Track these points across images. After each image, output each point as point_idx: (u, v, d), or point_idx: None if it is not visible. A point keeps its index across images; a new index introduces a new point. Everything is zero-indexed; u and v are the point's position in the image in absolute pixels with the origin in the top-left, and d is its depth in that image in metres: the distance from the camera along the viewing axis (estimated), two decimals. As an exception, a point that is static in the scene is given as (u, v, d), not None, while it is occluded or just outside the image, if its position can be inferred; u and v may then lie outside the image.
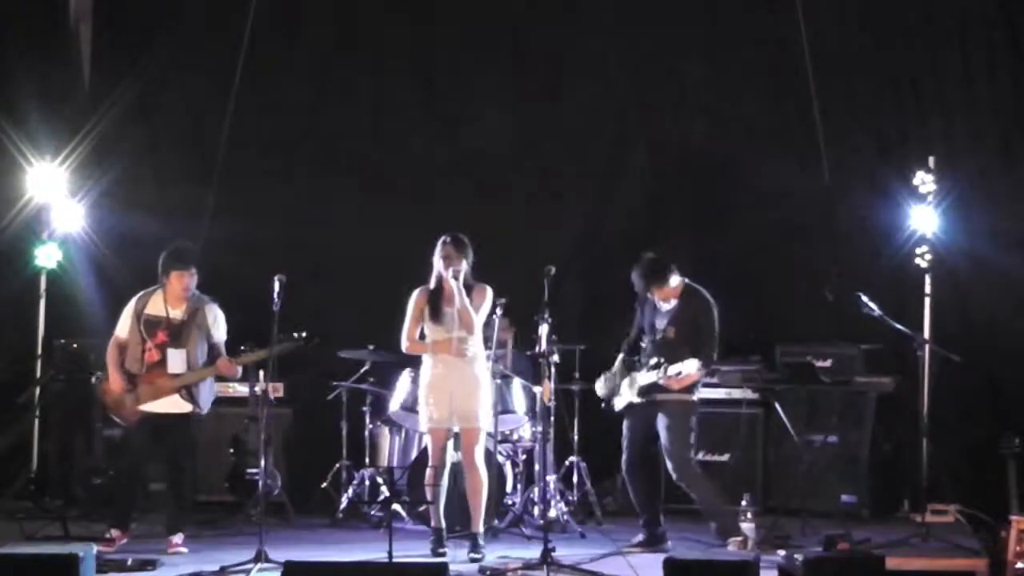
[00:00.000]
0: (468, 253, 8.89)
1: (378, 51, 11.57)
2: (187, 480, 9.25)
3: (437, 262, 8.89)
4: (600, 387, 9.46)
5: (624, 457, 9.28)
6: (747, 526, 9.12)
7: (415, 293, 9.00)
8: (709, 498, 9.15)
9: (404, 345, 9.04)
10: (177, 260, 9.10)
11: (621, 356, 9.37)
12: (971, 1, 10.91)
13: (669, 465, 9.10)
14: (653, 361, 9.04)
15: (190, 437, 9.19)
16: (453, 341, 8.84)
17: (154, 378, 9.03)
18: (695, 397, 9.11)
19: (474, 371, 8.92)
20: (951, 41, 10.90)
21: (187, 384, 9.05)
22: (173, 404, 9.05)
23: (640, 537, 9.19)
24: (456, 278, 8.77)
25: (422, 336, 8.98)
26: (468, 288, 8.85)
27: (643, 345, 9.25)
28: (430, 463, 8.90)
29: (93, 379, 9.39)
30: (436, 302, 8.91)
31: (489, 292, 8.96)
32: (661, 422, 9.08)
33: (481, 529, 8.93)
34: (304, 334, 8.95)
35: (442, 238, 8.92)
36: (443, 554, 8.79)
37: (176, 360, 9.03)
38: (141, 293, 9.22)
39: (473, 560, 8.68)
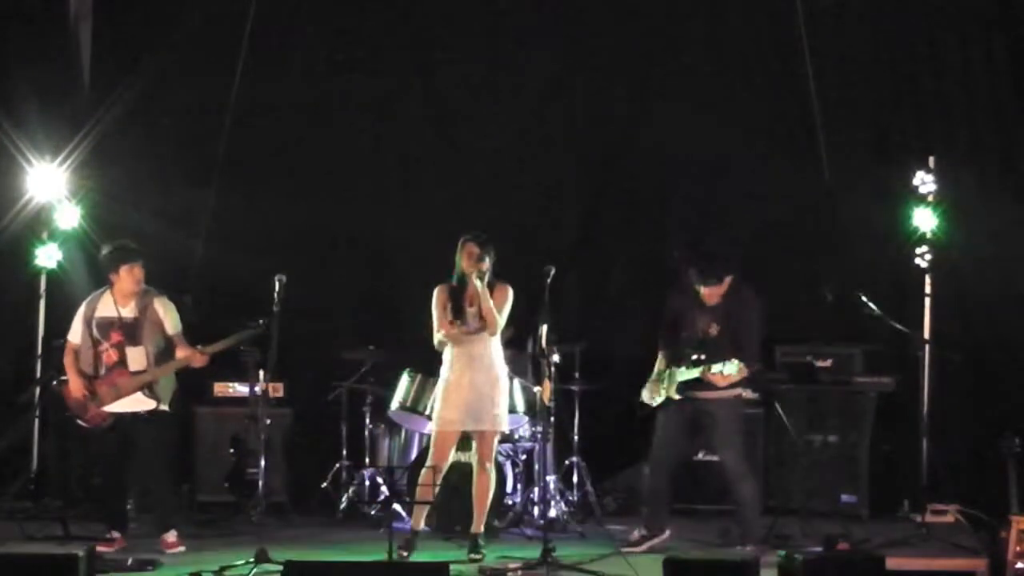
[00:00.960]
0: (491, 251, 8.79)
1: (378, 51, 11.56)
2: (163, 477, 9.19)
3: (460, 261, 8.81)
4: (645, 394, 9.27)
5: (655, 451, 9.18)
6: (747, 526, 9.15)
7: (436, 290, 8.90)
8: (751, 501, 9.08)
9: (437, 338, 8.89)
10: (125, 254, 9.06)
11: (661, 355, 9.25)
12: (971, 1, 10.91)
13: (724, 462, 9.05)
14: (694, 357, 8.97)
15: (159, 434, 9.11)
16: (474, 342, 8.78)
17: (115, 378, 9.01)
18: (742, 393, 9.08)
19: (495, 372, 8.85)
20: (951, 41, 10.90)
21: (150, 381, 9.01)
22: (136, 402, 9.01)
23: (639, 533, 9.14)
24: (481, 279, 8.70)
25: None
26: (490, 287, 8.77)
27: (682, 339, 9.12)
28: (431, 462, 8.80)
29: (54, 384, 9.36)
30: (458, 301, 8.83)
31: (510, 291, 8.86)
32: (709, 421, 9.01)
33: (482, 530, 8.92)
34: (261, 321, 8.87)
35: (464, 237, 8.84)
36: (405, 557, 8.65)
37: (136, 358, 9.01)
38: (89, 297, 9.21)
39: (473, 561, 8.68)
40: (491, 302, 8.72)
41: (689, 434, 9.16)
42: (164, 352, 9.07)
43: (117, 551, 8.78)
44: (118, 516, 9.18)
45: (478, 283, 8.69)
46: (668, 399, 9.11)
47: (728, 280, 9.03)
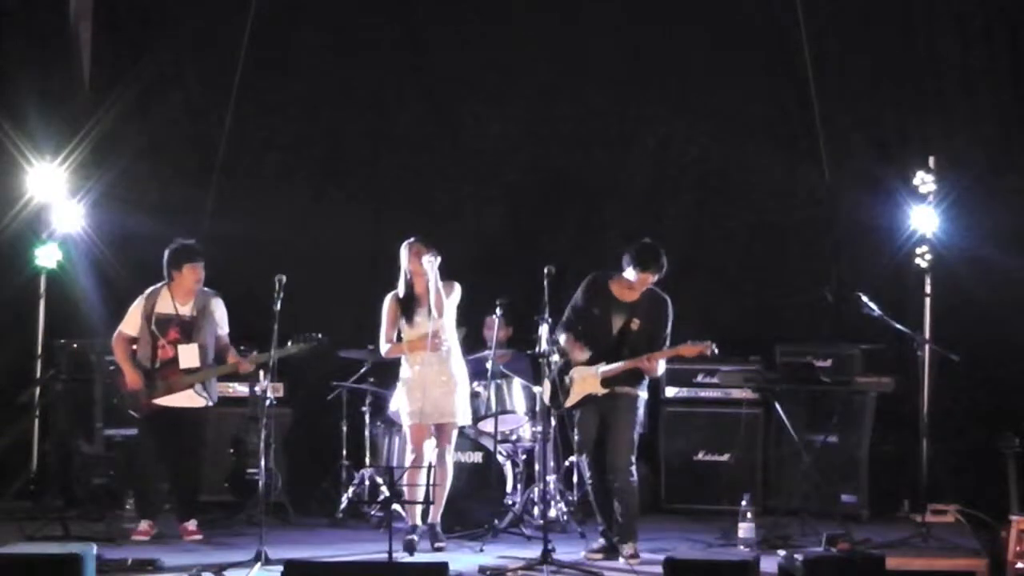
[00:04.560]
0: (436, 252, 8.93)
1: (377, 51, 11.56)
2: (197, 470, 9.43)
3: (408, 261, 8.98)
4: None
5: (586, 456, 8.90)
6: (747, 526, 9.13)
7: (386, 299, 9.10)
8: (634, 507, 8.85)
9: (383, 349, 9.15)
10: (190, 253, 9.32)
11: (577, 346, 8.90)
12: (971, 1, 10.91)
13: (614, 460, 8.75)
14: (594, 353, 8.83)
15: (203, 431, 9.42)
16: (428, 337, 8.89)
17: (169, 374, 9.23)
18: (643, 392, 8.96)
19: (450, 368, 9.02)
20: (951, 41, 10.90)
21: (202, 380, 9.26)
22: (189, 399, 9.27)
23: (602, 542, 8.91)
24: (431, 265, 8.82)
25: (399, 338, 9.09)
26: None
27: (598, 336, 8.88)
28: (411, 458, 8.97)
29: (110, 370, 9.57)
30: (408, 306, 9.02)
31: (457, 287, 9.06)
32: (620, 414, 8.80)
33: (438, 519, 9.03)
34: (319, 335, 9.20)
35: (409, 240, 9.02)
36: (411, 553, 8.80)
37: (189, 356, 9.24)
38: (148, 291, 9.38)
39: (437, 549, 8.81)
40: (441, 288, 8.85)
41: (602, 430, 8.92)
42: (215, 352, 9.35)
43: (121, 550, 8.80)
44: (150, 504, 9.38)
45: (429, 268, 8.81)
46: (591, 396, 8.85)
47: (655, 277, 8.87)
